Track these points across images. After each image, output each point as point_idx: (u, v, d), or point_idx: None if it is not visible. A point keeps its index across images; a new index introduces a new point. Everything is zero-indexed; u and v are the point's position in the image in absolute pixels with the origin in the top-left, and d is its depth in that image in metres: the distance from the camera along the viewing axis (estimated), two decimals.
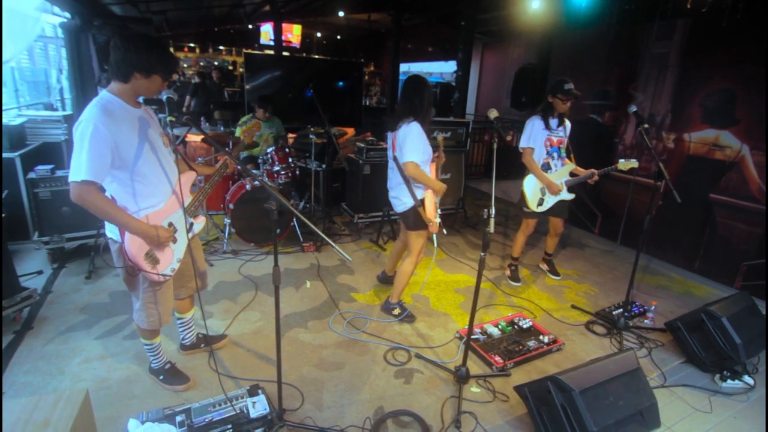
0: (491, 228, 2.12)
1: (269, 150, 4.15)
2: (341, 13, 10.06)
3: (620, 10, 4.63)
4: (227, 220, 3.99)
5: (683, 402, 2.46)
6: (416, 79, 2.77)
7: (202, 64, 13.79)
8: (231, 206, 3.89)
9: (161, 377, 2.30)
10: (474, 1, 6.54)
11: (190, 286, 2.31)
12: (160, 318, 2.10)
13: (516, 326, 2.99)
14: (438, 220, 2.82)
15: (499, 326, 2.95)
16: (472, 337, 2.77)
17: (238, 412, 2.01)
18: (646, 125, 2.98)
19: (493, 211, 2.11)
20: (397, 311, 3.11)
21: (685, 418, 2.34)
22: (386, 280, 3.56)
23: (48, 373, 2.34)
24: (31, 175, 3.40)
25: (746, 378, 2.57)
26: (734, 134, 3.86)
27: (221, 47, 14.49)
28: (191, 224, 2.15)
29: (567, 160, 3.53)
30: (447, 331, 3.02)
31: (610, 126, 4.92)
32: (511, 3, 6.46)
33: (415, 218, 2.82)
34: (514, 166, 6.93)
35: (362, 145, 4.61)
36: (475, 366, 2.64)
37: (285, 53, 12.02)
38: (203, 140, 5.14)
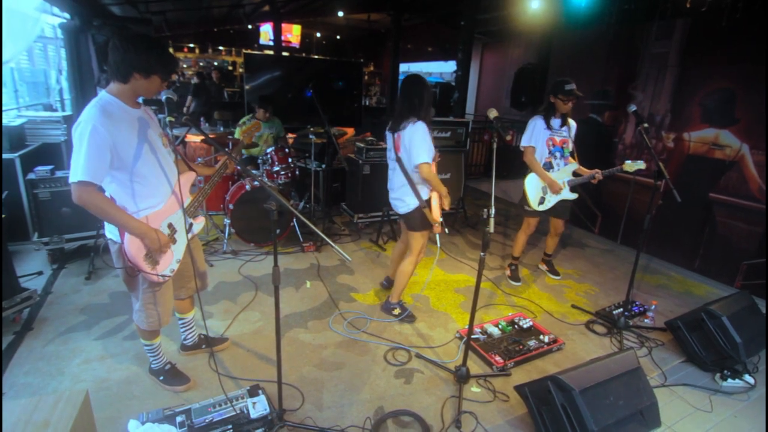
0: (491, 228, 2.12)
1: (269, 150, 4.15)
2: (341, 13, 10.06)
3: (620, 9, 4.63)
4: (227, 221, 3.99)
5: (683, 401, 2.46)
6: (414, 79, 2.72)
7: (201, 64, 13.79)
8: (231, 206, 3.89)
9: (161, 378, 2.30)
10: (474, 1, 6.53)
11: (190, 286, 2.31)
12: (159, 319, 2.10)
13: (516, 326, 2.99)
14: (440, 219, 2.81)
15: (500, 326, 2.95)
16: (473, 336, 2.77)
17: (238, 412, 2.01)
18: (645, 125, 2.98)
19: (492, 210, 2.11)
20: (397, 311, 3.10)
21: (685, 418, 2.34)
22: (391, 285, 3.51)
23: (48, 373, 2.34)
24: (31, 175, 3.40)
25: (747, 377, 2.58)
26: (734, 133, 3.87)
27: (221, 47, 14.48)
28: (191, 225, 2.15)
29: (571, 159, 3.50)
30: (447, 330, 3.02)
31: (610, 126, 4.91)
32: (511, 3, 6.46)
33: (420, 219, 2.80)
34: (514, 165, 6.95)
35: (362, 145, 4.61)
36: (475, 366, 2.64)
37: (284, 53, 12.02)
38: (203, 141, 5.16)
